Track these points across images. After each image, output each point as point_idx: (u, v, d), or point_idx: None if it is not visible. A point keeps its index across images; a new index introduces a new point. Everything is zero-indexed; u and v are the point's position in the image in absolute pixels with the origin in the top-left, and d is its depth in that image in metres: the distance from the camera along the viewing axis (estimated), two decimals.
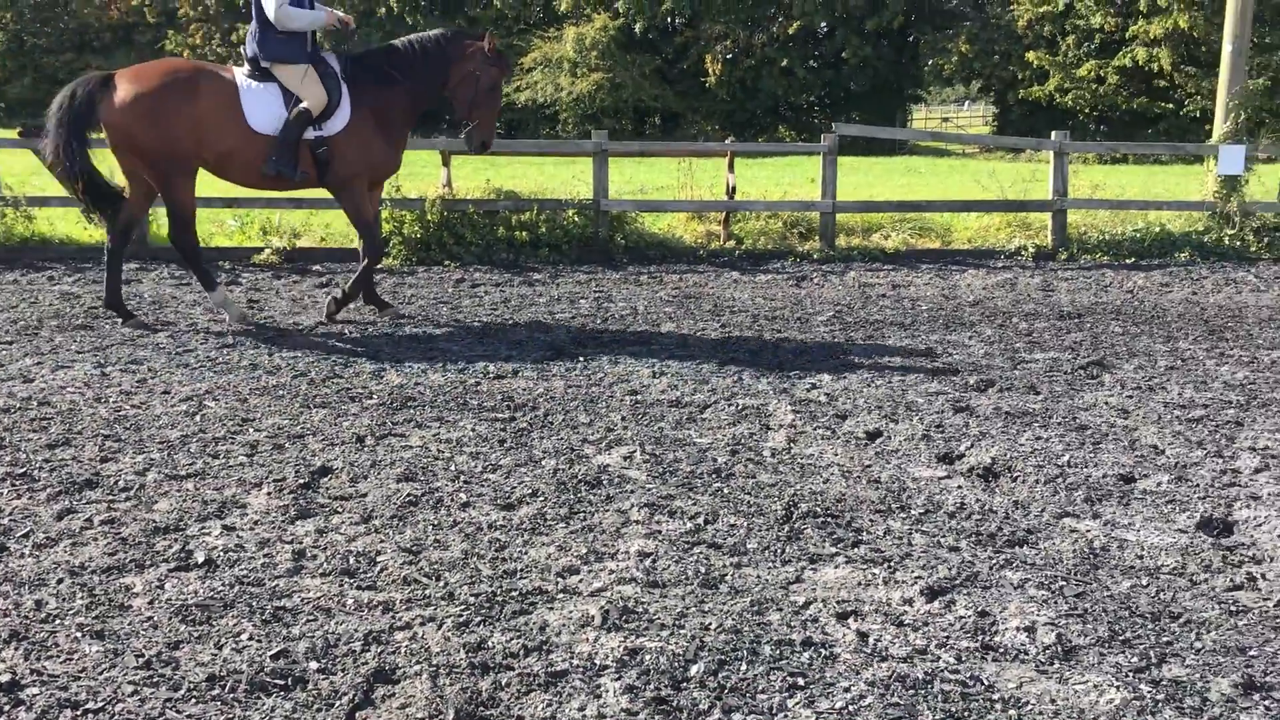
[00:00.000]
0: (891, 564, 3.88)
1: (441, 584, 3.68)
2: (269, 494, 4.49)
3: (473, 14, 40.05)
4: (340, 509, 4.35)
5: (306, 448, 5.10)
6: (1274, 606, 3.59)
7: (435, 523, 4.21)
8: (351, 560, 3.85)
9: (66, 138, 7.51)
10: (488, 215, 11.42)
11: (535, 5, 40.40)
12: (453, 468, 4.85)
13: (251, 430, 5.36)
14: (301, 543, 4.00)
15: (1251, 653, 3.29)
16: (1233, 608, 3.58)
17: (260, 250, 10.99)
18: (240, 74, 7.73)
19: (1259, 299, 9.39)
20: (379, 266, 10.68)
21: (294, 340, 7.45)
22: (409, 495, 4.48)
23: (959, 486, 4.69)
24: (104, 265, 8.17)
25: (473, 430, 5.41)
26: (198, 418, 5.56)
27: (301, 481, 4.62)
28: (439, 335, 7.67)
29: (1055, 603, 3.58)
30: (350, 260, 11.07)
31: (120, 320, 7.91)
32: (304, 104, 7.61)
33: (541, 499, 4.48)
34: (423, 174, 15.74)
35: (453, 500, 4.46)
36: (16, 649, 3.21)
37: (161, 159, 7.51)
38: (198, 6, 47.75)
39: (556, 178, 16.59)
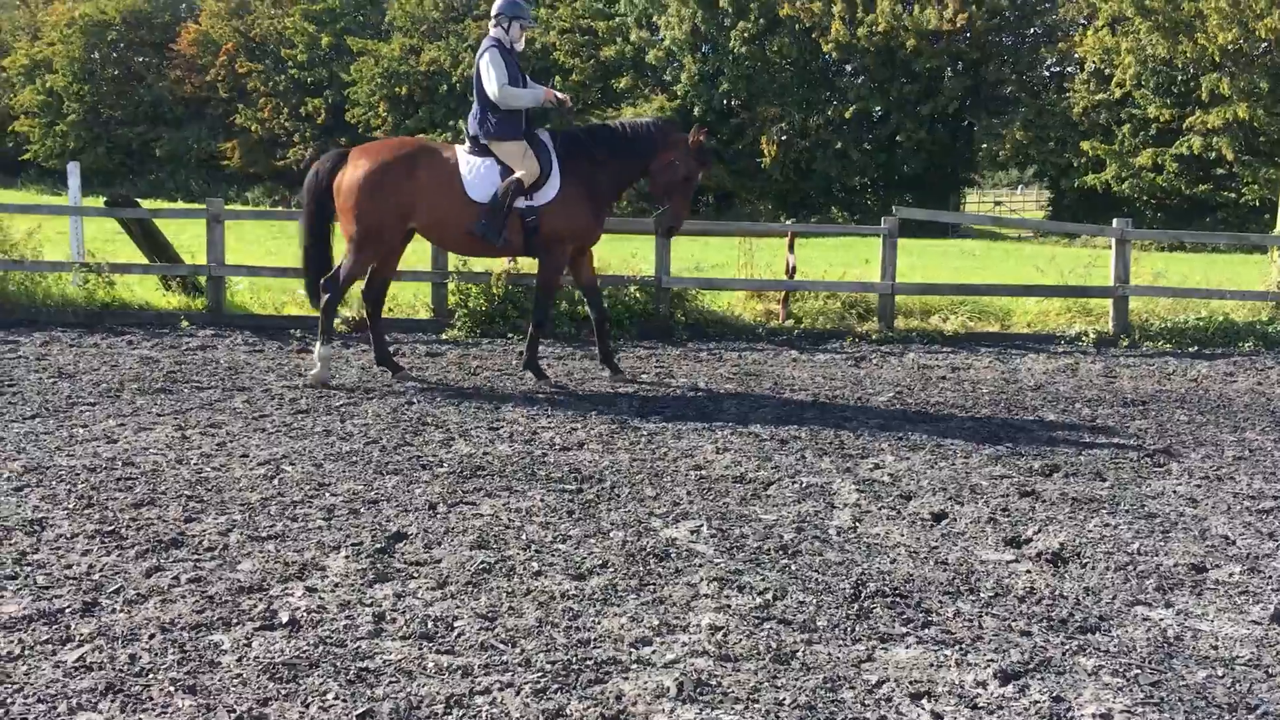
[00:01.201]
0: (963, 646, 3.90)
1: (518, 650, 3.75)
2: (347, 557, 4.60)
3: None
4: (416, 574, 4.45)
5: (381, 513, 5.22)
6: None
7: (509, 590, 4.30)
8: (430, 625, 3.94)
9: (307, 207, 8.64)
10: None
11: (594, 88, 41.24)
12: (523, 536, 4.94)
13: (328, 495, 5.50)
14: (381, 606, 4.10)
15: None
16: None
17: None
18: (461, 150, 8.54)
19: None
20: (444, 337, 10.92)
21: (365, 409, 7.62)
22: (482, 562, 4.57)
23: (1027, 571, 4.70)
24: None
25: (541, 500, 5.51)
26: (275, 481, 5.71)
27: (378, 546, 4.74)
28: (505, 406, 7.81)
29: (1130, 690, 3.58)
30: (416, 331, 11.33)
31: (392, 373, 8.79)
32: (517, 174, 8.25)
33: (612, 570, 4.55)
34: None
35: (525, 569, 4.54)
36: (112, 701, 3.32)
37: (367, 227, 8.30)
38: (268, 82, 49.30)
39: (617, 254, 16.83)
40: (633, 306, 11.61)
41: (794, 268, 12.57)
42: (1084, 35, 36.74)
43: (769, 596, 4.31)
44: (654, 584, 4.42)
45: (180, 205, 30.98)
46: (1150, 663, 3.80)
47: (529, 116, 8.53)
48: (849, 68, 39.74)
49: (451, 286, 11.75)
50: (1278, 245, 12.25)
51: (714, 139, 39.06)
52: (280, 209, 39.06)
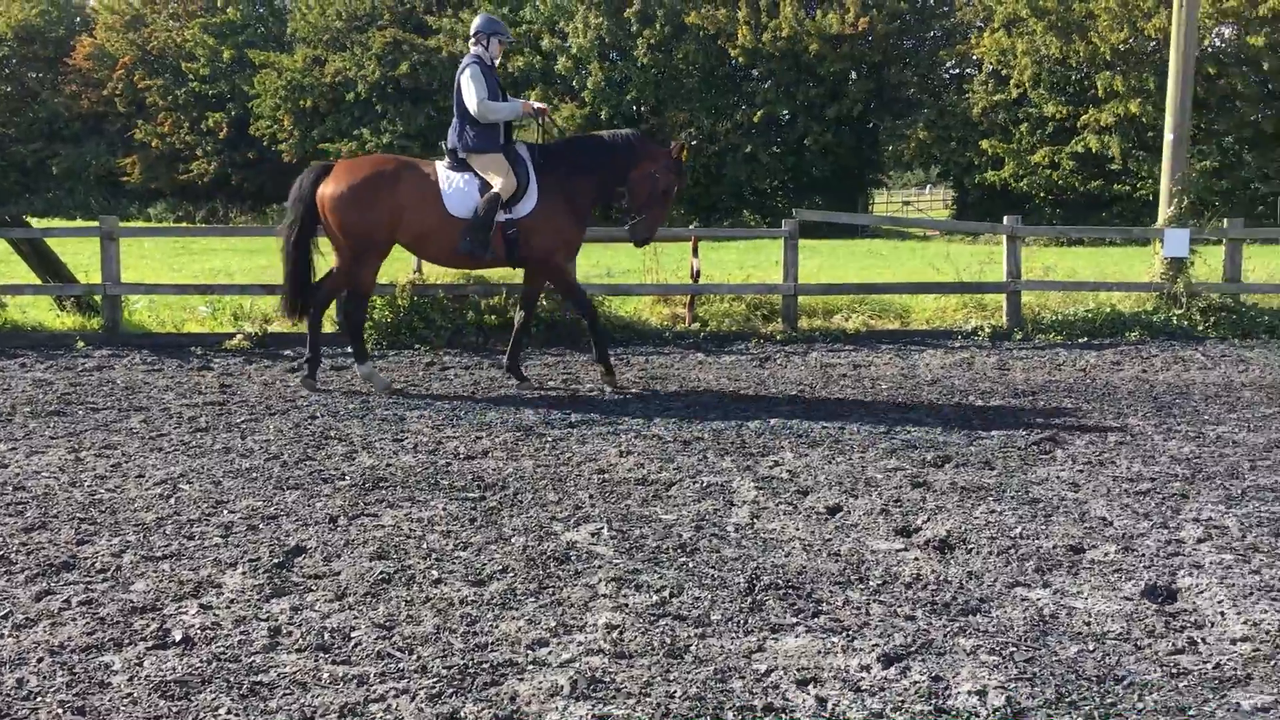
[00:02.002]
0: (850, 633, 4.03)
1: (415, 658, 3.79)
2: (243, 573, 4.59)
3: (442, 104, 40.72)
4: (314, 587, 4.46)
5: (280, 528, 5.21)
6: (1213, 669, 3.75)
7: (408, 599, 4.33)
8: (326, 636, 3.95)
9: (290, 221, 8.75)
10: (457, 300, 11.63)
11: (502, 97, 41.18)
12: (424, 546, 4.97)
13: (226, 512, 5.47)
14: (277, 620, 4.10)
15: (1191, 713, 3.45)
16: (1174, 670, 3.75)
17: (232, 335, 11.12)
18: (441, 166, 8.71)
19: (1206, 376, 9.71)
20: (349, 350, 10.87)
21: (266, 425, 7.56)
22: (382, 573, 4.60)
23: (915, 558, 4.85)
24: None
25: (444, 509, 5.54)
26: (172, 500, 5.66)
27: (276, 561, 4.73)
28: (410, 417, 7.81)
29: (1005, 668, 3.74)
30: (329, 345, 11.22)
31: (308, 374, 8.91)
32: (495, 188, 8.43)
33: (512, 575, 4.61)
34: (392, 258, 15.96)
35: (425, 577, 4.57)
36: None
37: (358, 240, 8.49)
38: (167, 96, 48.30)
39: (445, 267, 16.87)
40: (540, 314, 11.65)
41: (699, 271, 12.73)
42: (981, 37, 37.68)
43: (666, 594, 4.40)
44: (553, 586, 4.49)
45: (75, 224, 30.21)
46: (1026, 640, 3.97)
47: (508, 130, 8.76)
48: (755, 73, 40.22)
49: None
50: (1159, 238, 12.71)
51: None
52: (181, 225, 38.36)
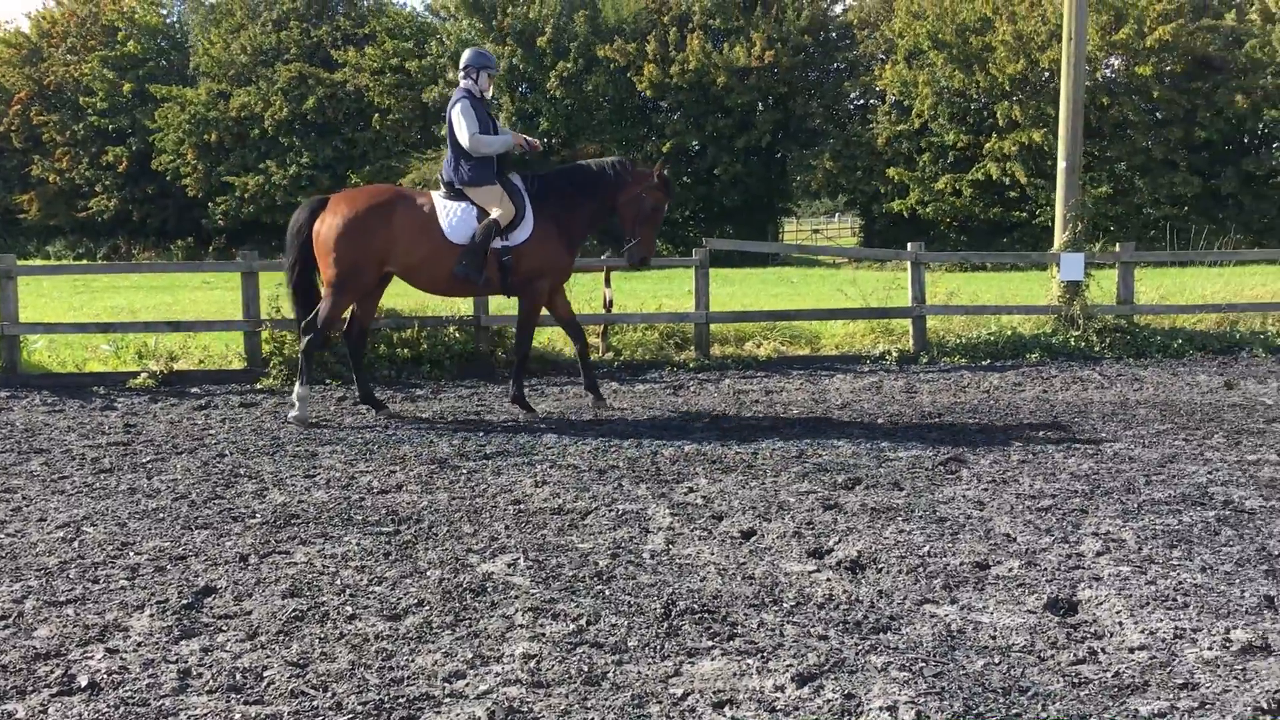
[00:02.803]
0: (764, 654, 4.09)
1: (329, 695, 3.75)
2: (152, 616, 4.50)
3: (349, 135, 40.44)
4: (225, 627, 4.39)
5: (189, 568, 5.12)
6: (1112, 678, 3.89)
7: (322, 636, 4.28)
8: (238, 676, 3.90)
9: (289, 255, 9.03)
10: (370, 333, 11.51)
11: (414, 128, 41.01)
12: (338, 582, 4.93)
13: (132, 554, 5.35)
14: (187, 661, 4.03)
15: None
16: (1075, 680, 3.87)
17: (136, 374, 10.89)
18: (437, 195, 8.93)
19: (1103, 395, 10.04)
20: (259, 387, 10.71)
21: (173, 464, 7.41)
22: (295, 610, 4.54)
23: (828, 579, 4.94)
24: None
25: (357, 544, 5.49)
26: (75, 544, 5.52)
27: (185, 602, 4.65)
28: (322, 453, 7.72)
29: (915, 683, 3.83)
30: (229, 382, 11.06)
31: (376, 411, 9.19)
32: (493, 215, 8.66)
33: (427, 608, 4.59)
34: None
35: (339, 613, 4.53)
36: None
37: (346, 271, 8.70)
38: (65, 131, 47.13)
39: (437, 295, 16.78)
40: (452, 346, 11.63)
41: (611, 301, 12.79)
42: (884, 69, 38.60)
43: (583, 622, 4.42)
44: (469, 619, 4.48)
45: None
46: (935, 656, 4.07)
47: (502, 161, 8.98)
48: (664, 104, 40.63)
49: (265, 335, 11.51)
50: (1056, 262, 13.13)
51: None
52: (82, 262, 37.37)
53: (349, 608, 4.60)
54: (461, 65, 9.02)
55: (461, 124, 8.66)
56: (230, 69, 42.72)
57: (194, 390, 10.59)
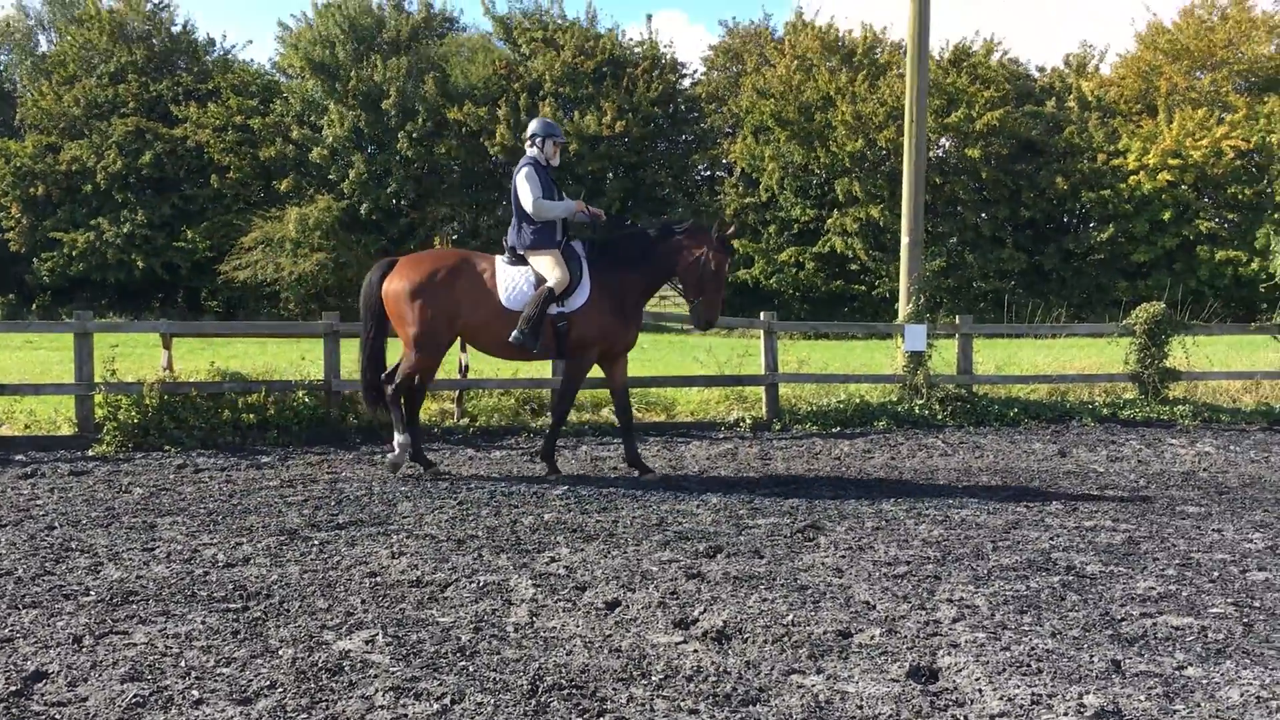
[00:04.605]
0: None
1: None
2: None
3: (188, 192, 39.19)
4: (59, 715, 4.07)
5: (17, 652, 4.75)
6: None
7: None
8: None
9: (364, 317, 9.31)
10: (212, 398, 11.10)
11: (255, 186, 40.01)
12: (182, 663, 4.65)
13: None
14: None
15: None
16: None
17: None
18: (500, 260, 9.13)
19: (948, 462, 10.38)
20: (91, 454, 10.16)
21: None
22: (135, 696, 4.26)
23: (695, 650, 4.91)
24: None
25: (203, 623, 5.20)
26: None
27: (14, 689, 4.30)
28: (161, 524, 7.33)
29: None
30: (58, 448, 10.47)
31: (424, 470, 9.40)
32: (549, 283, 8.81)
33: (281, 690, 4.36)
34: (138, 355, 15.09)
35: (184, 698, 4.27)
36: None
37: (420, 331, 8.96)
38: None
39: (283, 358, 16.28)
40: (301, 411, 11.27)
41: (467, 366, 12.65)
42: (733, 143, 39.69)
43: (446, 701, 4.27)
44: (326, 700, 4.27)
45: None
46: None
47: (566, 227, 9.14)
48: None
49: (98, 398, 10.95)
50: (900, 333, 13.60)
51: (384, 238, 38.84)
52: None
53: (195, 692, 4.33)
54: (529, 133, 9.28)
55: (526, 189, 8.89)
56: (61, 121, 40.96)
57: (18, 458, 9.96)
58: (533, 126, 9.31)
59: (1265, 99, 36.80)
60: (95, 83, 40.99)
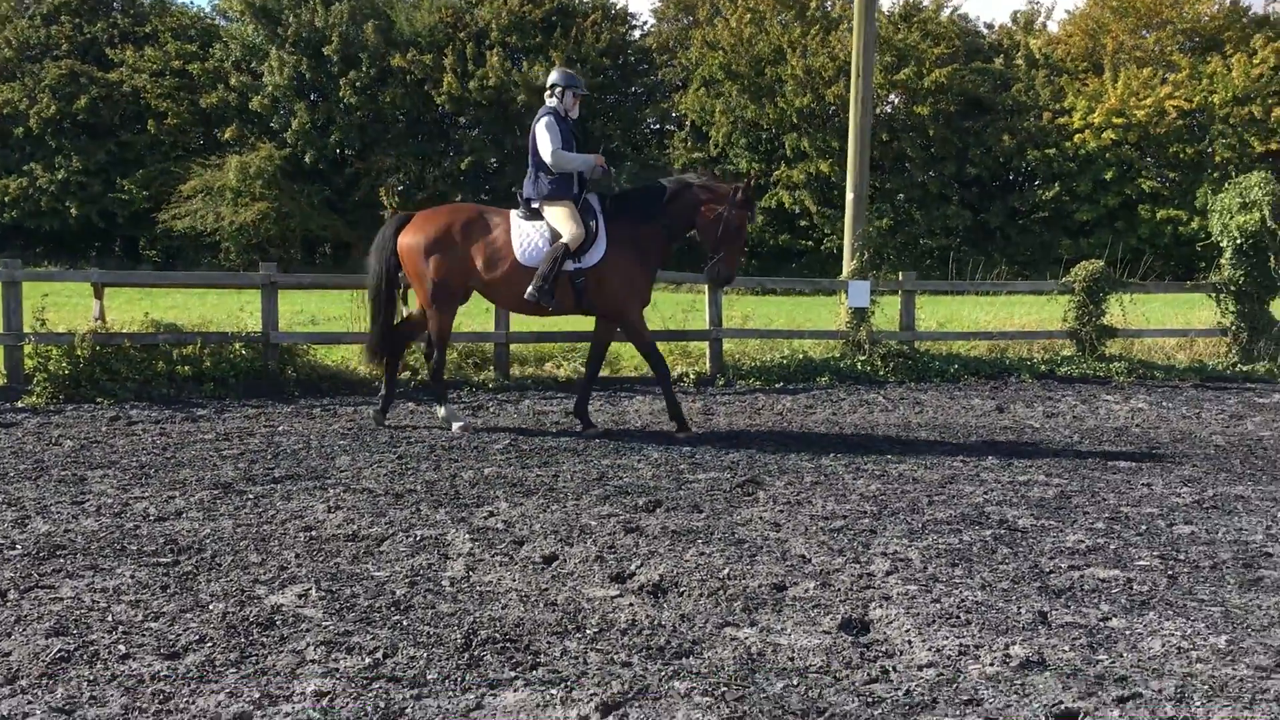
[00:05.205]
0: (568, 684, 4.02)
1: None
2: None
3: (124, 139, 38.27)
4: None
5: None
6: (904, 696, 4.01)
7: (91, 678, 3.96)
8: None
9: (373, 269, 9.25)
10: (146, 349, 10.90)
11: (194, 134, 39.14)
12: (110, 618, 4.58)
13: None
14: None
15: None
16: (869, 699, 3.97)
17: None
18: (515, 215, 9.02)
19: (888, 418, 10.48)
20: (20, 405, 9.95)
21: None
22: (60, 650, 4.18)
23: (630, 604, 4.92)
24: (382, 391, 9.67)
25: (132, 577, 5.13)
26: None
27: None
28: (92, 477, 7.21)
29: (718, 708, 3.84)
30: None
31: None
32: (563, 239, 8.69)
33: (210, 644, 4.31)
34: (69, 305, 14.80)
35: (110, 652, 4.20)
36: None
37: (435, 286, 8.96)
38: None
39: (221, 309, 16.04)
40: (239, 364, 11.11)
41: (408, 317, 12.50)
42: (683, 96, 39.48)
43: (379, 655, 4.24)
44: (256, 655, 4.23)
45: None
46: (736, 679, 4.10)
47: (582, 181, 8.99)
48: (463, 120, 40.29)
49: (28, 349, 10.71)
50: (844, 289, 13.66)
51: (328, 188, 38.25)
52: None
53: (122, 646, 4.27)
54: (548, 83, 9.19)
55: (546, 138, 8.78)
56: None
57: None
58: (553, 76, 9.21)
59: (1208, 59, 37.25)
60: (27, 23, 39.80)
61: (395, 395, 9.77)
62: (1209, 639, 4.56)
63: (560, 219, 8.82)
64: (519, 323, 12.34)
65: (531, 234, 8.89)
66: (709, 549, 5.80)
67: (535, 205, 8.96)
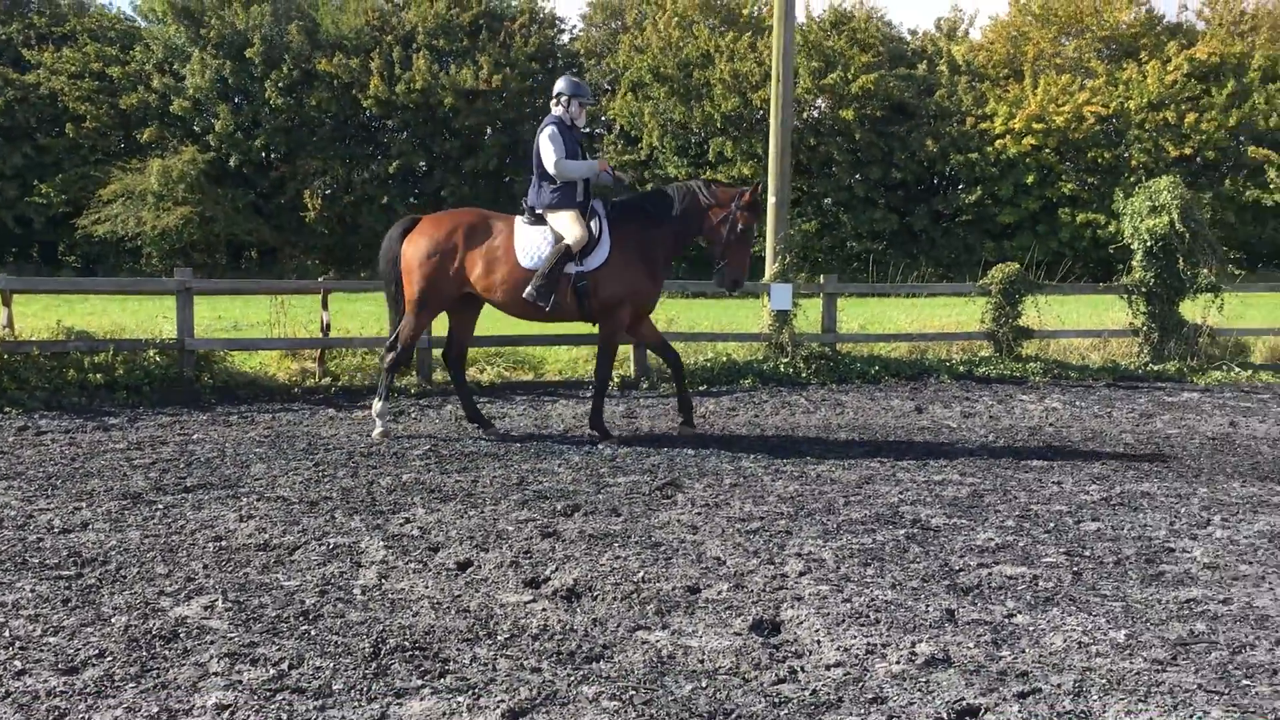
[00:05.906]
0: (476, 691, 4.00)
1: None
2: None
3: (41, 142, 37.31)
4: None
5: None
6: (810, 696, 4.05)
7: None
8: None
9: (385, 274, 9.37)
10: (56, 357, 10.64)
11: (114, 137, 38.30)
12: (6, 633, 4.46)
13: None
14: None
15: None
16: (776, 700, 4.00)
17: None
18: (519, 220, 9.09)
19: (809, 419, 10.57)
20: None
21: None
22: None
23: (543, 609, 4.91)
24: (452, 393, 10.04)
25: (32, 591, 5.01)
26: None
27: None
28: None
29: (625, 712, 3.84)
30: None
31: (483, 429, 9.41)
32: (565, 241, 8.73)
33: (110, 659, 4.22)
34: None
35: (5, 669, 4.10)
36: None
37: (426, 289, 9.03)
38: None
39: (139, 314, 15.72)
40: (152, 371, 10.90)
41: (329, 324, 12.38)
42: (611, 100, 39.51)
43: (284, 666, 4.19)
44: (157, 668, 4.15)
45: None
46: (645, 683, 4.11)
47: (588, 188, 9.03)
48: (390, 124, 39.92)
49: None
50: (767, 292, 13.76)
51: (253, 192, 37.63)
52: None
53: (18, 662, 4.17)
54: (554, 92, 9.17)
55: (549, 149, 8.84)
56: None
57: None
58: (560, 85, 9.17)
59: (1124, 65, 38.17)
60: None
61: (471, 393, 9.86)
62: (1109, 634, 4.67)
63: (564, 223, 8.87)
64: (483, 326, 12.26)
65: (535, 238, 8.96)
66: (625, 552, 5.81)
67: (539, 213, 9.01)
